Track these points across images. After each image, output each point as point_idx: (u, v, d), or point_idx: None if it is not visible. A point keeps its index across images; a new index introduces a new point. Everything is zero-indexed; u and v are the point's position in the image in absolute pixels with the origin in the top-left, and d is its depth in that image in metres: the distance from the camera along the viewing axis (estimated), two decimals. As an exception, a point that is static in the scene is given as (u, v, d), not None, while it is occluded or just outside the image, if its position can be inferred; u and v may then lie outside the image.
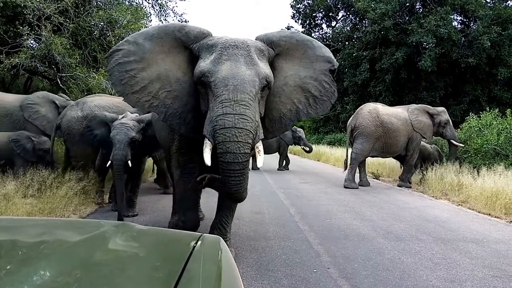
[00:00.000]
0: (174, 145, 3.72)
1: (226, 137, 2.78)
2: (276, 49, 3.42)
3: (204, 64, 3.06)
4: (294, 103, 3.54)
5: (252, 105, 2.88)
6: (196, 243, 1.11)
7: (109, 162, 4.89)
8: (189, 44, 3.33)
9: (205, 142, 2.96)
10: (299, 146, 13.55)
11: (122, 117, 5.10)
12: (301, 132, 12.94)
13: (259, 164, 3.13)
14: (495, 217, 6.07)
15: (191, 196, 3.76)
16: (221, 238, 1.23)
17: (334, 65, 3.61)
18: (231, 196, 3.16)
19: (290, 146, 13.10)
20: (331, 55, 3.65)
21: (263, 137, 3.07)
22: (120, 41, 3.54)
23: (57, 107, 7.40)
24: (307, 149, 13.10)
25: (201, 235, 1.21)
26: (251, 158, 3.60)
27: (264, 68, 3.10)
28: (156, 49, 3.33)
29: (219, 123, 2.81)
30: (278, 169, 12.50)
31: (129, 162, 4.89)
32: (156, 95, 3.32)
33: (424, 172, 9.13)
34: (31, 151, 6.53)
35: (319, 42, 3.78)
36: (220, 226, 3.78)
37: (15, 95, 7.87)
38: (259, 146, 3.04)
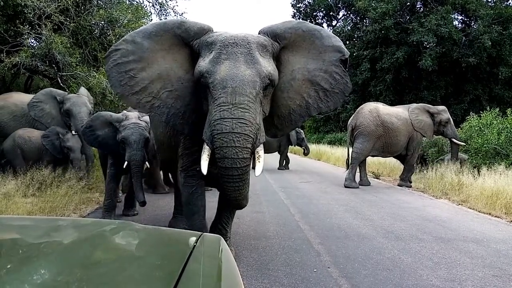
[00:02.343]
0: (180, 147, 3.60)
1: (224, 142, 2.71)
2: (281, 42, 3.24)
3: (203, 63, 2.95)
4: (303, 98, 3.37)
5: (252, 108, 2.77)
6: (196, 242, 1.12)
7: (125, 163, 4.79)
8: (189, 41, 3.20)
9: (204, 147, 2.91)
10: (298, 146, 13.95)
11: (126, 117, 5.01)
12: (303, 134, 13.48)
13: (257, 172, 3.01)
14: (496, 216, 6.06)
15: (197, 200, 3.54)
16: (221, 237, 1.23)
17: (344, 54, 3.37)
18: (231, 203, 3.17)
19: (290, 146, 13.27)
20: (341, 44, 3.41)
21: (264, 140, 2.97)
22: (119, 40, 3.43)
23: (58, 103, 7.43)
24: (306, 151, 13.77)
25: (202, 234, 1.21)
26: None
27: (267, 65, 2.96)
28: (155, 47, 3.22)
29: (216, 128, 2.73)
30: (278, 168, 12.54)
31: (147, 162, 4.94)
32: (157, 95, 3.23)
33: (425, 171, 9.12)
34: (58, 148, 6.70)
35: (328, 31, 3.53)
36: (221, 226, 3.74)
37: (32, 95, 7.90)
38: (260, 151, 2.94)
